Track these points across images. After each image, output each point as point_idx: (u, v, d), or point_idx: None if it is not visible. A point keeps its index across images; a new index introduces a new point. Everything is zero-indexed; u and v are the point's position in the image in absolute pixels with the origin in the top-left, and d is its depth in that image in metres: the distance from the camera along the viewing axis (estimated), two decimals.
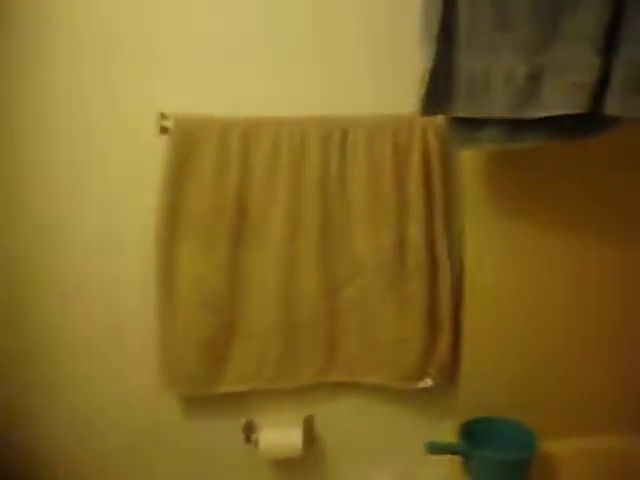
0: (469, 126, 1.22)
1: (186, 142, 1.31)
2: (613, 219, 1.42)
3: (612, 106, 1.11)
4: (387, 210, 1.35)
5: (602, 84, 1.09)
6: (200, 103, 1.33)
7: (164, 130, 1.30)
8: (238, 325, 1.38)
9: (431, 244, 1.37)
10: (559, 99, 1.11)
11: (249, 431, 1.47)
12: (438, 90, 1.16)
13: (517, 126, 1.19)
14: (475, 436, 1.41)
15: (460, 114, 1.19)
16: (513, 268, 1.42)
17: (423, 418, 1.52)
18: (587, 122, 1.16)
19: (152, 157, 1.33)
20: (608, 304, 1.45)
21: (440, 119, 1.31)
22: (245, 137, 1.32)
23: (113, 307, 1.41)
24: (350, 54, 1.36)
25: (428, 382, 1.42)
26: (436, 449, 1.38)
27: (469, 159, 1.38)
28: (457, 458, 1.39)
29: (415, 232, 1.35)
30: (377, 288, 1.38)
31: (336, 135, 1.33)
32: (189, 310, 1.34)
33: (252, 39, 1.35)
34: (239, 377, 1.40)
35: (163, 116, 1.30)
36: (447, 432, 1.44)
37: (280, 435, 1.43)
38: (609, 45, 1.09)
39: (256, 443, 1.43)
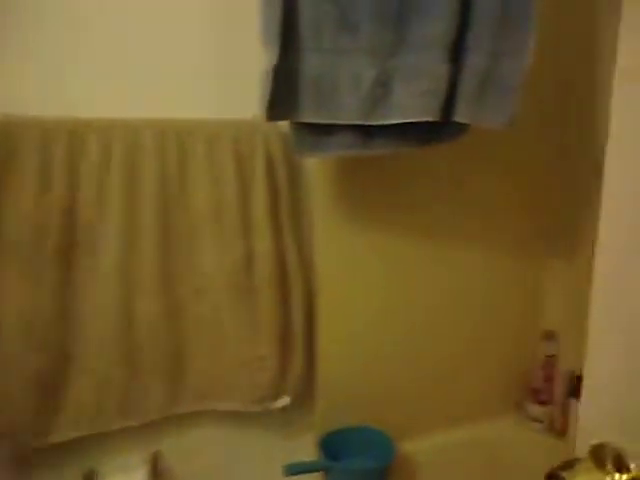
0: (317, 132, 1.16)
1: (2, 148, 1.08)
2: (464, 223, 1.46)
3: (461, 113, 1.11)
4: (232, 222, 1.24)
5: (451, 91, 1.08)
6: (22, 103, 1.11)
7: None
8: (72, 360, 1.18)
9: (281, 257, 1.29)
10: (410, 106, 1.09)
11: None
12: (283, 93, 1.08)
13: (367, 133, 1.14)
14: (336, 449, 1.38)
15: (307, 119, 1.12)
16: (363, 277, 1.40)
17: (282, 438, 1.44)
18: (439, 128, 1.15)
19: None
20: (461, 305, 1.49)
21: (284, 125, 1.23)
22: (72, 142, 1.13)
23: None
24: (189, 53, 1.23)
25: (285, 400, 1.35)
26: (295, 470, 1.32)
27: (316, 166, 1.32)
28: (320, 474, 1.35)
29: (263, 245, 1.26)
30: (227, 305, 1.27)
31: (173, 140, 1.20)
32: (12, 349, 1.11)
33: (82, 35, 1.16)
34: (76, 421, 1.20)
35: None
36: (309, 449, 1.38)
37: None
38: (457, 53, 1.08)
39: None
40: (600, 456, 0.64)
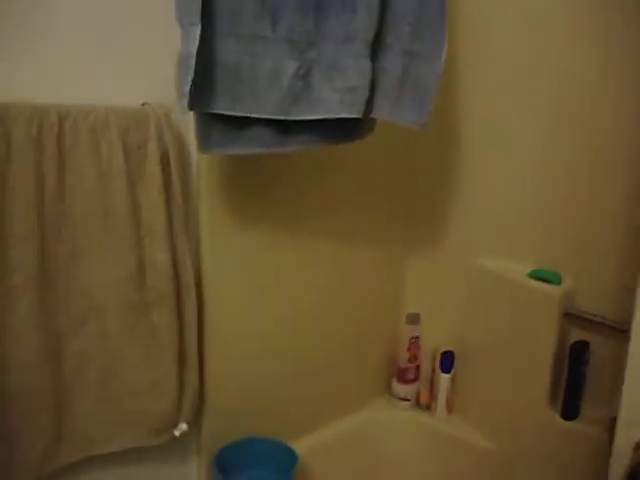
0: (229, 127, 1.04)
1: None
2: (347, 223, 1.47)
3: (380, 110, 1.10)
4: (122, 229, 1.05)
5: (371, 88, 1.07)
6: None
7: None
8: None
9: (176, 266, 1.13)
10: (333, 101, 1.04)
11: None
12: (199, 81, 0.94)
13: (284, 129, 1.06)
14: (232, 463, 1.29)
15: (222, 111, 1.00)
16: (253, 284, 1.32)
17: (170, 466, 1.29)
18: (352, 125, 1.12)
19: None
20: (336, 300, 1.50)
21: (177, 117, 1.08)
22: None
23: None
24: (71, 26, 0.99)
25: (183, 427, 1.20)
26: None
27: (203, 162, 1.18)
28: None
29: (159, 254, 1.10)
30: (117, 329, 1.08)
31: (49, 129, 0.95)
32: None
33: None
34: None
35: None
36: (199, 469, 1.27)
37: None
38: (377, 50, 1.07)
39: None
40: None
